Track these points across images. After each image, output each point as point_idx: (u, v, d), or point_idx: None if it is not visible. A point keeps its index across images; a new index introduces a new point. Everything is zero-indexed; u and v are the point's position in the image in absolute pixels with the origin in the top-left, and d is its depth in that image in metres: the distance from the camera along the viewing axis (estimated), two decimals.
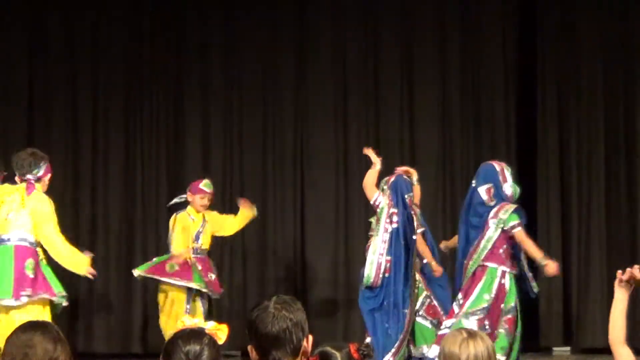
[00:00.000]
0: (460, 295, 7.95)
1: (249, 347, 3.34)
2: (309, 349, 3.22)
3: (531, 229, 10.39)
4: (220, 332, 3.43)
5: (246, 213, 9.18)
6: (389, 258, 8.48)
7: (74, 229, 10.17)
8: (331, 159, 10.75)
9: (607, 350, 10.26)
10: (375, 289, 8.46)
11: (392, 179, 8.64)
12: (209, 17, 10.82)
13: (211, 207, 9.12)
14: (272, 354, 3.16)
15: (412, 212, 8.59)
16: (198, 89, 10.80)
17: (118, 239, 10.58)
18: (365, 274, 8.41)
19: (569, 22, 10.70)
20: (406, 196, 8.56)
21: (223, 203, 10.67)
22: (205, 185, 8.94)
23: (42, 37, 10.66)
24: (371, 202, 8.62)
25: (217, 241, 10.52)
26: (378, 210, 8.56)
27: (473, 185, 8.15)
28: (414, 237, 8.57)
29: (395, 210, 8.53)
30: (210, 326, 3.42)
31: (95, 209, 10.59)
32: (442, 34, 10.90)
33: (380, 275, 8.41)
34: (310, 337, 3.23)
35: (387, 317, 8.45)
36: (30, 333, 3.18)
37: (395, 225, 8.54)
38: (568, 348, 10.42)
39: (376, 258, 8.48)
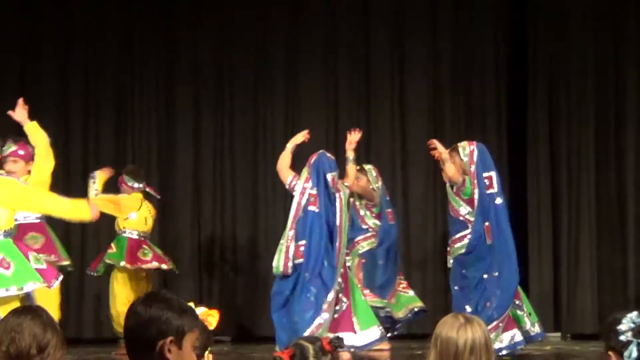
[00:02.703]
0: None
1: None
2: (166, 349, 2.81)
3: (522, 218, 10.47)
4: (211, 317, 3.43)
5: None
6: (302, 242, 8.01)
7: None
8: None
9: (597, 336, 10.35)
10: (288, 278, 8.03)
11: (314, 157, 8.20)
12: (201, 7, 10.81)
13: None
14: (130, 347, 2.90)
15: (336, 193, 8.17)
16: (189, 82, 10.78)
17: (109, 228, 10.55)
18: (274, 264, 8.03)
19: (560, 12, 10.69)
20: (329, 175, 8.10)
21: (214, 193, 10.68)
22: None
23: (33, 26, 10.61)
24: (286, 186, 8.17)
25: (209, 231, 10.57)
26: (294, 193, 8.11)
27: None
28: (337, 220, 8.12)
29: (315, 192, 8.07)
30: (201, 312, 3.41)
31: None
32: (433, 24, 10.89)
33: (290, 263, 7.99)
34: (169, 339, 2.81)
35: (298, 307, 7.97)
36: (20, 317, 3.16)
37: (313, 208, 8.04)
38: (558, 334, 10.44)
39: (284, 245, 8.03)
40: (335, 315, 8.18)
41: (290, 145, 8.15)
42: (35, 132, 7.01)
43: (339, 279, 8.16)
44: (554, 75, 10.69)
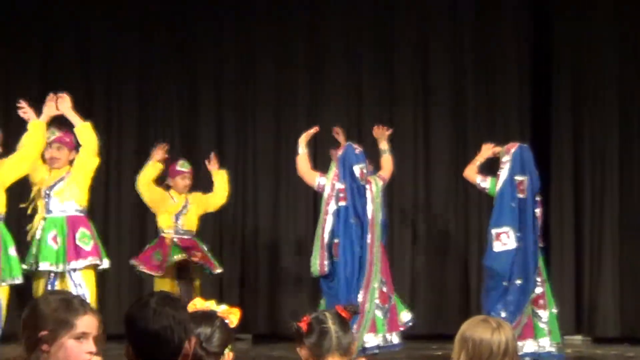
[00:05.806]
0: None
1: (125, 346, 3.03)
2: (191, 351, 2.98)
3: (544, 220, 10.41)
4: (232, 315, 3.41)
5: (219, 176, 9.13)
6: (336, 241, 7.71)
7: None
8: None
9: (619, 340, 10.27)
10: (329, 278, 7.72)
11: (340, 151, 7.97)
12: (222, 10, 10.86)
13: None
14: (150, 353, 2.91)
15: (365, 185, 7.86)
16: (212, 84, 10.85)
17: (130, 222, 10.59)
18: (312, 266, 7.75)
19: (584, 7, 10.65)
20: (356, 167, 7.83)
21: (235, 190, 10.68)
22: (181, 165, 9.00)
23: (54, 25, 10.69)
24: (315, 188, 7.95)
25: (231, 226, 10.56)
26: (324, 193, 7.85)
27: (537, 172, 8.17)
28: (369, 212, 7.80)
29: (342, 187, 7.81)
30: (223, 310, 3.41)
31: (107, 193, 10.62)
32: (455, 19, 10.89)
33: (326, 262, 7.70)
34: (194, 340, 3.01)
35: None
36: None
37: (342, 203, 7.77)
38: (580, 337, 10.40)
39: (319, 244, 7.75)
40: (388, 314, 7.94)
41: (303, 149, 7.99)
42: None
43: (379, 275, 7.84)
44: (578, 76, 10.64)
